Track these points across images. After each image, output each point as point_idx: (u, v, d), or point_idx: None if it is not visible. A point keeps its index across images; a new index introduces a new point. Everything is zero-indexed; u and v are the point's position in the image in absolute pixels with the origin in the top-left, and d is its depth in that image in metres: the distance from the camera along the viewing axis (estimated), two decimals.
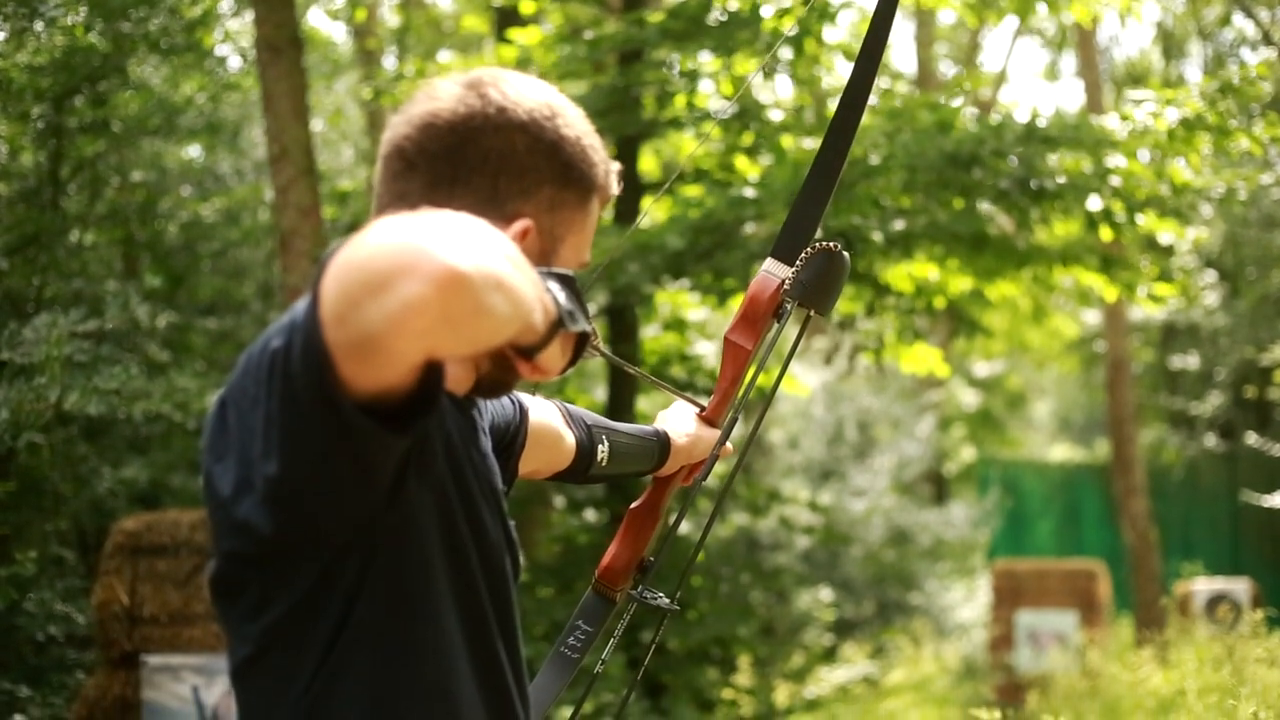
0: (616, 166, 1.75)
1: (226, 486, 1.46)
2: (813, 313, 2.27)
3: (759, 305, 2.25)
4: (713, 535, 10.33)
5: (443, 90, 1.64)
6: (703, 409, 2.39)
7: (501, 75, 1.66)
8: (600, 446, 2.27)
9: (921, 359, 9.13)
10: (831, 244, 2.22)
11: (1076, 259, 7.87)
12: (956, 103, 7.49)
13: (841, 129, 2.31)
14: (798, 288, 2.22)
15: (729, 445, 2.39)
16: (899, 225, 7.44)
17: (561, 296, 1.46)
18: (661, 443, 2.32)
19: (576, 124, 1.68)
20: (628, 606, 2.26)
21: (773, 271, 2.25)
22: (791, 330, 2.40)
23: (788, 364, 2.35)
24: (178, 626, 5.75)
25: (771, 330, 2.27)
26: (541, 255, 1.66)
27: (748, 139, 8.17)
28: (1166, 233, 7.80)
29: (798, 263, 2.22)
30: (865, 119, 7.58)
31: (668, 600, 2.27)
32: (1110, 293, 8.25)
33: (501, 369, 1.67)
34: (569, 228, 1.68)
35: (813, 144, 7.64)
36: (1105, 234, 7.53)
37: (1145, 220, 7.51)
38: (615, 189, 1.75)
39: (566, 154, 1.65)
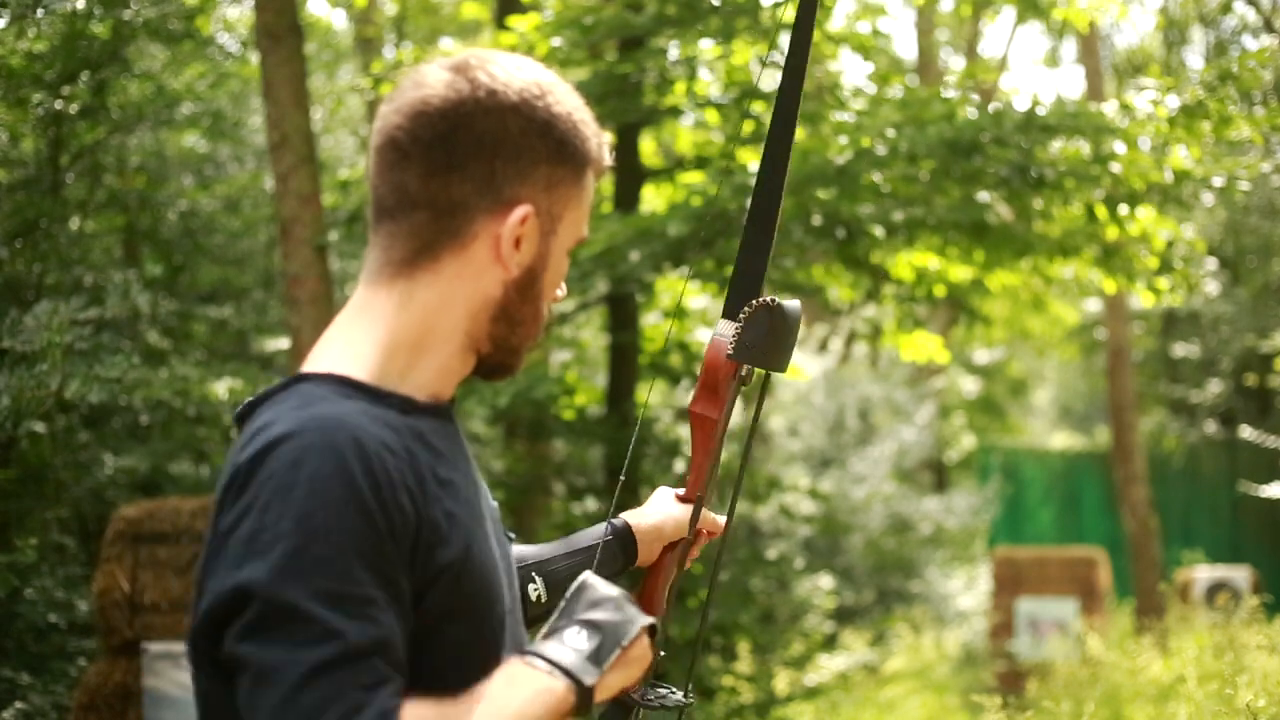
0: (608, 138, 1.74)
1: None
2: (770, 372, 2.11)
3: (717, 372, 2.10)
4: None
5: (431, 77, 1.64)
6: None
7: (488, 56, 1.66)
8: (532, 585, 2.09)
9: (921, 346, 9.13)
10: (770, 299, 2.06)
11: (1076, 250, 7.86)
12: (971, 96, 7.46)
13: (773, 167, 2.13)
14: (742, 350, 2.06)
15: (714, 520, 2.23)
16: (900, 214, 7.43)
17: (568, 659, 1.56)
18: (620, 536, 2.16)
19: (566, 100, 1.68)
20: (636, 715, 2.02)
21: (724, 334, 2.10)
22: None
23: (754, 429, 2.21)
24: (179, 614, 5.76)
25: (732, 393, 2.12)
26: (542, 235, 1.67)
27: (748, 127, 8.15)
28: (1165, 230, 7.80)
29: (737, 324, 2.07)
30: (870, 108, 7.59)
31: (680, 695, 2.06)
32: (1109, 285, 8.25)
33: (503, 351, 1.70)
34: (566, 205, 1.68)
35: (812, 131, 7.63)
36: (1109, 232, 7.52)
37: (1145, 215, 7.50)
38: (608, 160, 1.74)
39: (559, 132, 1.65)
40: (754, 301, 2.07)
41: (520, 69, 1.66)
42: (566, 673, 1.54)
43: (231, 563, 1.45)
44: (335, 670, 1.39)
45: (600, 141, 1.72)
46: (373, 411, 1.54)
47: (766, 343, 2.06)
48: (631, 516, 2.18)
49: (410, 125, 1.62)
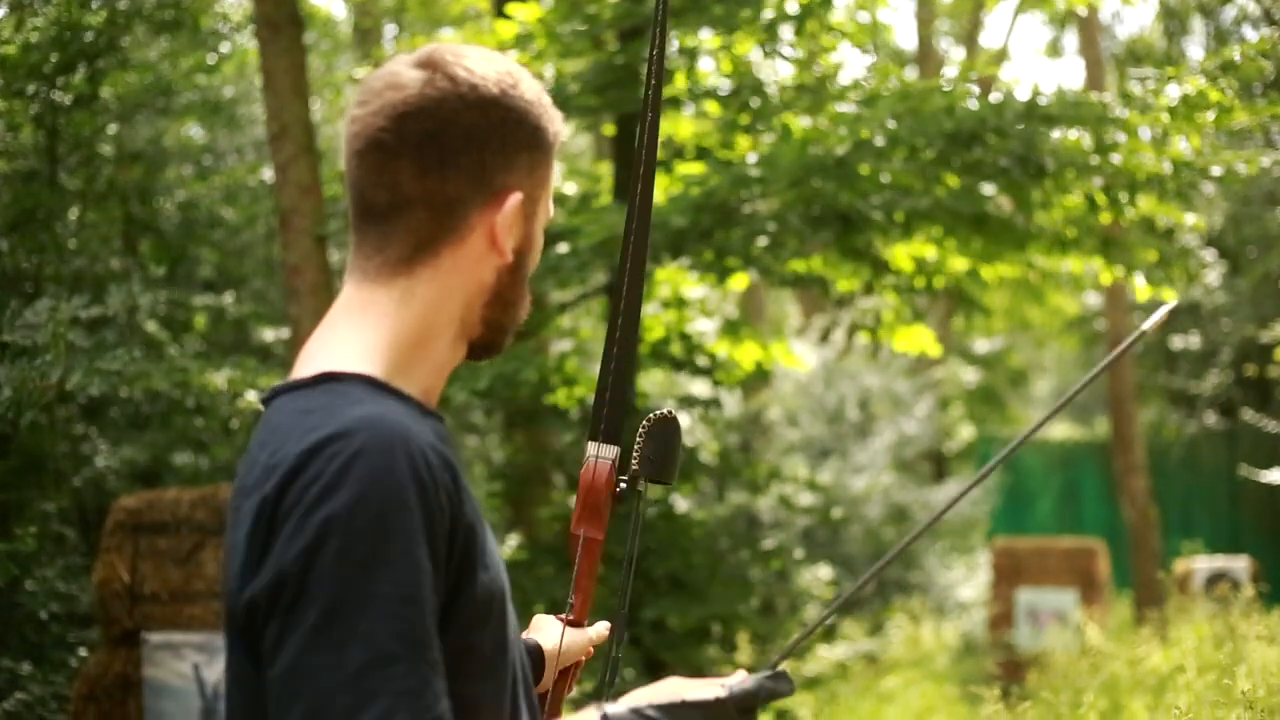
0: (560, 115, 1.78)
1: None
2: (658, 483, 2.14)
3: (599, 492, 2.10)
4: (712, 513, 10.34)
5: (405, 76, 1.65)
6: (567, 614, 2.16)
7: (457, 51, 1.69)
8: None
9: (914, 339, 9.13)
10: (666, 411, 2.13)
11: (1075, 243, 7.85)
12: (971, 88, 7.43)
13: (631, 296, 2.16)
14: (647, 466, 2.11)
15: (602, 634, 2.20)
16: (900, 204, 7.42)
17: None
18: (533, 657, 2.11)
19: (533, 84, 1.72)
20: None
21: (603, 455, 2.12)
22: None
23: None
24: (179, 604, 5.76)
25: (619, 505, 2.13)
26: (526, 218, 1.71)
27: (745, 118, 8.15)
28: (1166, 216, 7.79)
29: (639, 439, 2.12)
30: (869, 98, 7.58)
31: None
32: (1106, 276, 8.24)
33: (494, 331, 1.72)
34: (543, 187, 1.73)
35: (809, 122, 7.62)
36: (1105, 217, 7.51)
37: (1145, 203, 7.49)
38: (564, 136, 1.78)
39: (534, 117, 1.70)
40: (652, 416, 2.13)
41: (490, 60, 1.69)
42: None
43: (280, 554, 1.46)
44: (380, 671, 1.41)
45: (560, 120, 1.76)
46: (407, 412, 1.56)
47: (665, 455, 2.12)
48: (542, 639, 2.14)
49: (395, 126, 1.63)
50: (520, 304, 1.74)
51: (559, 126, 1.75)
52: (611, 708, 1.70)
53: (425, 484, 1.49)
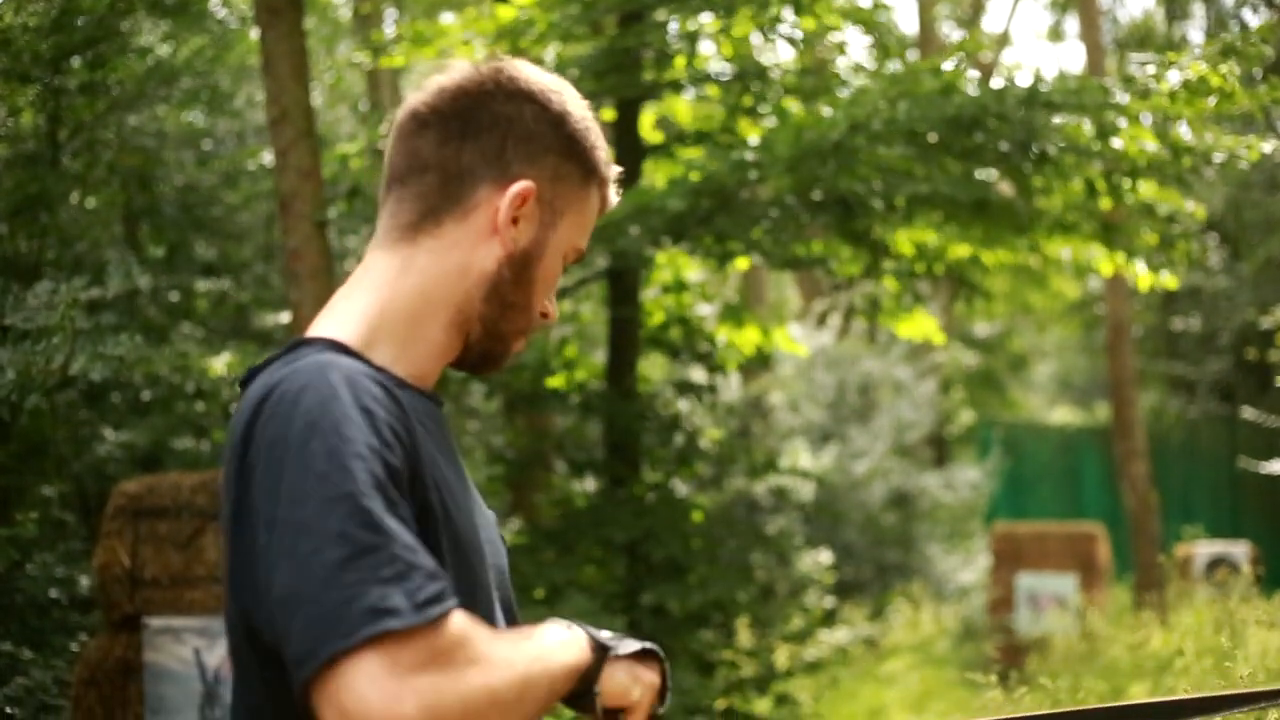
0: (618, 171, 1.81)
1: None
2: None
3: None
4: (712, 498, 10.35)
5: (459, 67, 1.74)
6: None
7: (514, 61, 1.76)
8: None
9: (916, 325, 9.12)
10: None
11: (1075, 227, 7.84)
12: (970, 73, 7.41)
13: None
14: None
15: None
16: (901, 190, 7.40)
17: (602, 634, 1.67)
18: None
19: (581, 107, 1.77)
20: None
21: None
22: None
23: None
24: (179, 589, 5.76)
25: None
26: (542, 225, 1.72)
27: (748, 101, 8.14)
28: (1165, 205, 7.78)
29: None
30: (866, 83, 7.57)
31: None
32: (1106, 267, 8.23)
33: (491, 336, 1.72)
34: (569, 203, 1.74)
35: (810, 108, 7.60)
36: (1105, 203, 7.50)
37: (1145, 189, 7.48)
38: (613, 196, 1.81)
39: (571, 127, 1.74)
40: None
41: (543, 74, 1.76)
42: (591, 637, 1.65)
43: (259, 523, 1.47)
44: (363, 560, 1.40)
45: (609, 160, 1.79)
46: (366, 370, 1.57)
47: None
48: None
49: (432, 100, 1.72)
50: (519, 312, 1.73)
51: (601, 158, 1.77)
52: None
53: (369, 409, 1.49)
